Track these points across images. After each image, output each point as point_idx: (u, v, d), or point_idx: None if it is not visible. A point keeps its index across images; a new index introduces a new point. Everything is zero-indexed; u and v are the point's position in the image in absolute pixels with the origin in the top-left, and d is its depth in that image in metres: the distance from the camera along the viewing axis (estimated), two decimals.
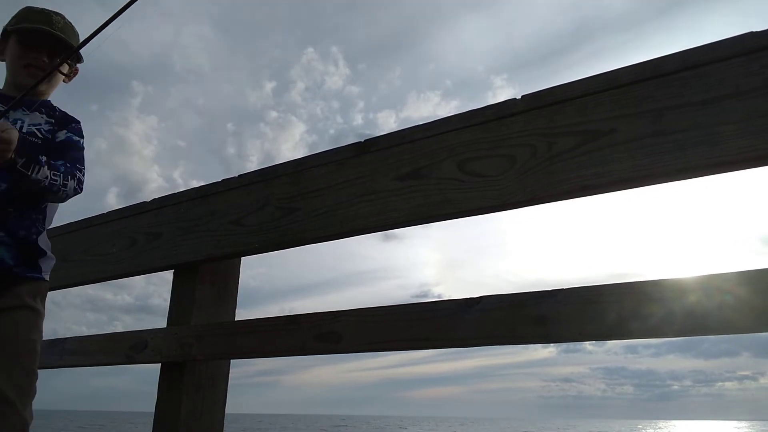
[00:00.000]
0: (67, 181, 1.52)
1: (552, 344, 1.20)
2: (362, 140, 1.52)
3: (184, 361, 1.71)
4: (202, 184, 2.03)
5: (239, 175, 1.77)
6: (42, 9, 1.63)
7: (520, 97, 1.28)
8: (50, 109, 1.68)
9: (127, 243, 2.01)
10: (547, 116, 1.23)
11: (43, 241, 1.57)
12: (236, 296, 1.91)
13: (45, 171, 1.45)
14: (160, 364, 1.80)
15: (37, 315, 1.49)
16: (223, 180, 1.82)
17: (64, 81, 1.69)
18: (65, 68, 1.68)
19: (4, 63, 1.66)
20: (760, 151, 0.98)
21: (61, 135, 1.65)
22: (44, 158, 1.46)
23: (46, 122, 1.65)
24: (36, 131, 1.61)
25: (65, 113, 1.71)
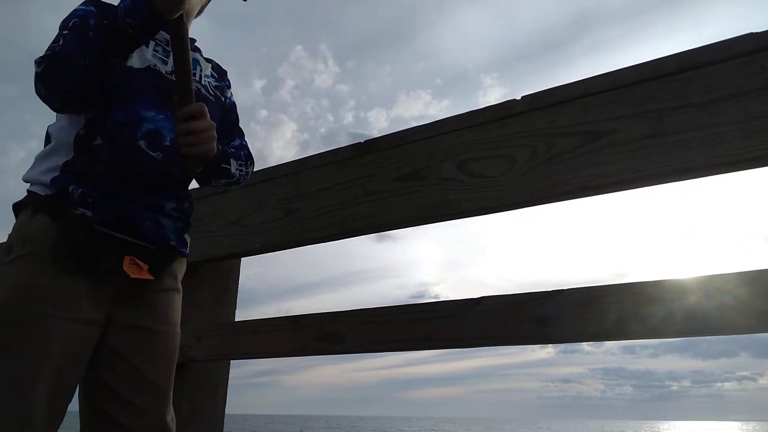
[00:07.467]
0: (249, 167, 1.30)
1: (551, 345, 1.20)
2: (362, 141, 1.52)
3: (184, 362, 1.71)
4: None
5: None
6: None
7: (519, 98, 1.28)
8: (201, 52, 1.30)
9: None
10: (547, 117, 1.23)
11: None
12: (236, 297, 1.91)
13: (234, 165, 1.23)
14: None
15: (181, 297, 1.24)
16: None
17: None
18: None
19: None
20: (761, 152, 0.99)
21: (229, 95, 1.32)
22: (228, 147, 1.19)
23: (211, 73, 1.29)
24: (208, 86, 1.25)
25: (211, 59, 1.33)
